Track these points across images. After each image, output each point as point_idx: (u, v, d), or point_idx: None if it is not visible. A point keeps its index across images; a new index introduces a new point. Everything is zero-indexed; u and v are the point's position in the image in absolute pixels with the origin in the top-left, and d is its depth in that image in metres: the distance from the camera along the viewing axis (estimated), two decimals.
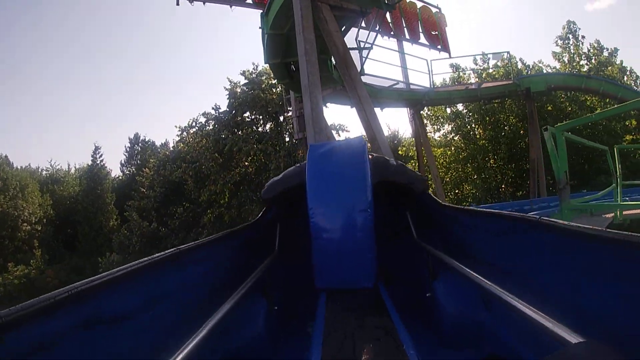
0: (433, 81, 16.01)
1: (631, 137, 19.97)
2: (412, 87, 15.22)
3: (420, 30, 15.11)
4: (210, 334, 1.50)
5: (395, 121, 73.47)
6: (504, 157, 21.37)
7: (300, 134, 13.16)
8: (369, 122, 8.55)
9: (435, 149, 22.03)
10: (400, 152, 24.04)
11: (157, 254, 1.58)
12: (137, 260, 1.43)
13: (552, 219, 1.53)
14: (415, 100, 15.21)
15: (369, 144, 4.49)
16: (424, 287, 2.88)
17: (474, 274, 1.94)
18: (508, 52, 16.53)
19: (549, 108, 20.18)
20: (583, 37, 23.06)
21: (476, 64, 23.17)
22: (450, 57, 16.16)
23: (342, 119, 52.43)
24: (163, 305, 1.61)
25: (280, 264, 3.35)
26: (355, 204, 3.08)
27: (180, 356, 1.23)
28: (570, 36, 23.20)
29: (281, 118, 21.84)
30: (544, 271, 1.64)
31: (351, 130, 22.46)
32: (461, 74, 23.28)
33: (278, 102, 20.33)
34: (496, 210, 2.52)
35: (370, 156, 3.30)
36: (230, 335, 2.14)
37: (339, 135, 21.01)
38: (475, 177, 22.02)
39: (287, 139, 21.22)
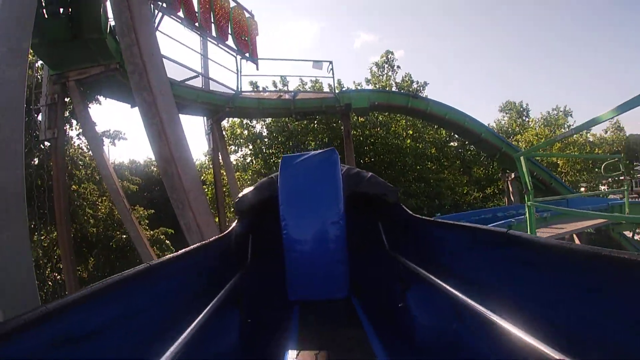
0: (241, 84, 13.72)
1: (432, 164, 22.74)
2: (213, 89, 13.01)
3: (230, 32, 13.22)
4: (183, 348, 1.55)
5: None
6: None
7: (50, 131, 9.07)
8: (165, 130, 5.89)
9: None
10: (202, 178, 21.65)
11: (127, 270, 1.54)
12: (107, 278, 1.40)
13: (519, 232, 1.62)
14: (216, 106, 12.90)
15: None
16: (396, 298, 2.95)
17: (445, 285, 2.05)
18: (331, 62, 14.37)
19: (354, 132, 19.91)
20: (399, 67, 24.63)
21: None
22: (257, 69, 14.54)
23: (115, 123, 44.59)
24: (135, 322, 1.57)
25: (253, 275, 3.31)
26: (327, 215, 3.15)
27: None
28: (387, 65, 24.47)
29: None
30: (513, 282, 1.65)
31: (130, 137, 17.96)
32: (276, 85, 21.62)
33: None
34: (465, 223, 2.33)
35: (342, 168, 3.39)
36: (204, 348, 2.09)
37: (114, 145, 16.11)
38: None
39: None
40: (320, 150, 3.63)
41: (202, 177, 20.99)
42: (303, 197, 3.27)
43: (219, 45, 12.96)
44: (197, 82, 12.46)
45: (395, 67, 24.39)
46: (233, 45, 13.25)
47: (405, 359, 2.46)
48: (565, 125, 30.07)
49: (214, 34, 12.62)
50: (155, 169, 30.61)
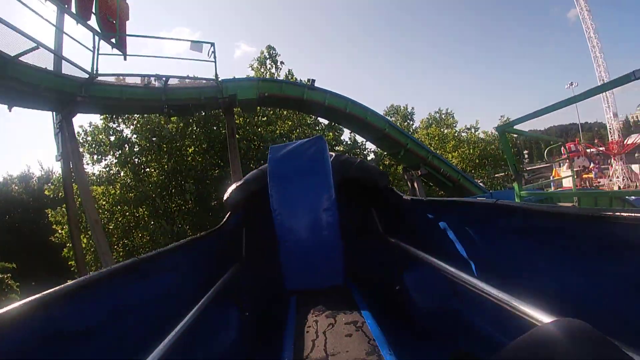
0: (97, 66, 9.88)
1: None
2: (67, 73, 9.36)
3: (94, 11, 9.84)
4: (179, 340, 1.59)
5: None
6: (193, 194, 16.89)
7: None
8: None
9: (96, 187, 16.81)
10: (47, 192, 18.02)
11: (114, 265, 1.57)
12: (94, 272, 1.43)
13: (507, 201, 1.66)
14: (66, 95, 9.41)
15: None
16: (393, 280, 3.01)
17: (441, 262, 2.19)
18: (212, 44, 11.53)
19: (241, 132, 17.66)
20: (282, 63, 22.24)
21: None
22: (125, 58, 10.97)
23: None
24: (126, 316, 1.58)
25: (248, 268, 3.44)
26: (319, 203, 3.16)
27: None
28: (269, 61, 22.32)
29: None
30: (508, 253, 1.69)
31: None
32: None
33: None
34: (456, 198, 2.46)
35: (330, 155, 3.37)
36: (201, 340, 2.08)
37: None
38: (153, 222, 16.99)
39: None
40: (308, 139, 3.44)
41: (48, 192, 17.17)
42: (293, 187, 3.21)
43: (79, 23, 9.51)
44: (48, 66, 8.96)
45: (278, 63, 22.16)
46: (97, 28, 9.95)
47: (405, 340, 2.44)
48: (454, 125, 30.73)
49: (73, 9, 9.26)
50: (17, 187, 27.14)
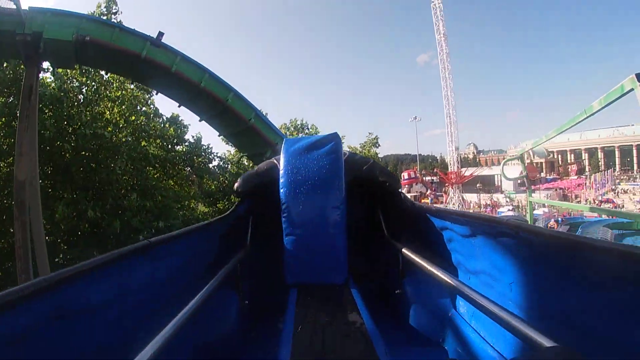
0: None
1: None
2: None
3: None
4: (180, 327, 1.54)
5: None
6: None
7: None
8: None
9: None
10: None
11: (127, 246, 1.54)
12: (107, 253, 1.39)
13: (518, 221, 1.58)
14: None
15: None
16: (394, 284, 3.08)
17: (443, 272, 2.04)
18: None
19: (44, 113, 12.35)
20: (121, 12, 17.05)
21: None
22: None
23: None
24: (133, 298, 1.61)
25: (252, 257, 3.40)
26: (328, 200, 3.11)
27: (150, 349, 1.27)
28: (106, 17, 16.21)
29: None
30: (512, 272, 1.65)
31: None
32: None
33: None
34: (465, 212, 2.55)
35: (345, 153, 3.36)
36: (201, 329, 2.12)
37: None
38: None
39: None
40: (323, 134, 3.42)
41: None
42: (304, 181, 3.15)
43: None
44: None
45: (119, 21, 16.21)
46: None
47: (402, 344, 2.52)
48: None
49: None
50: None
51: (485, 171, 65.19)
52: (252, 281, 3.39)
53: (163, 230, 12.65)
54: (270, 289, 3.45)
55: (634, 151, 79.29)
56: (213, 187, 20.38)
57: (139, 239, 11.92)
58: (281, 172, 3.22)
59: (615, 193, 53.62)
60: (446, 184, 56.97)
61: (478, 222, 1.98)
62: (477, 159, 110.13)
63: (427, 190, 62.90)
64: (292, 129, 27.45)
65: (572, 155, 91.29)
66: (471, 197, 53.02)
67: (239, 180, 3.52)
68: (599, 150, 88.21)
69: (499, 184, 62.64)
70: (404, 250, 2.83)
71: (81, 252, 11.74)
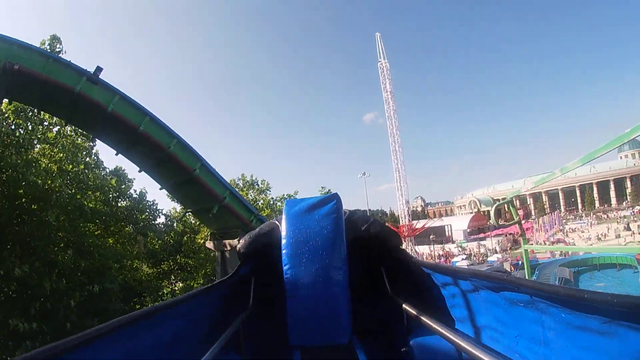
0: None
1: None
2: None
3: None
4: None
5: None
6: None
7: None
8: None
9: None
10: None
11: (132, 312, 1.51)
12: (113, 320, 1.33)
13: (518, 277, 1.63)
14: None
15: None
16: (399, 342, 3.05)
17: (448, 328, 1.95)
18: None
19: None
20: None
21: None
22: None
23: None
24: None
25: (254, 319, 3.29)
26: (330, 261, 3.00)
27: None
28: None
29: None
30: (516, 326, 1.68)
31: None
32: None
33: None
34: (470, 268, 2.37)
35: (345, 212, 3.39)
36: None
37: None
38: None
39: None
40: (324, 195, 3.32)
41: None
42: (306, 242, 3.04)
43: None
44: None
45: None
46: None
47: None
48: (269, 191, 28.40)
49: None
50: None
51: (436, 222, 66.68)
52: (255, 343, 3.35)
53: (98, 295, 11.24)
54: (274, 351, 3.43)
55: (577, 192, 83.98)
56: (157, 246, 18.78)
57: (69, 304, 10.75)
58: (283, 233, 3.18)
59: (564, 233, 56.03)
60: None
61: (479, 277, 1.97)
62: (426, 211, 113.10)
63: None
64: (242, 184, 26.25)
65: (518, 200, 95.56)
66: (423, 249, 53.52)
67: (241, 241, 3.38)
68: (543, 194, 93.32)
69: (450, 234, 64.32)
70: (408, 307, 2.80)
71: (4, 318, 9.93)
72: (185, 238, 18.32)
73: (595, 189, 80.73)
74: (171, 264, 18.26)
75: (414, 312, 2.60)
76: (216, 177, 10.74)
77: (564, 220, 66.67)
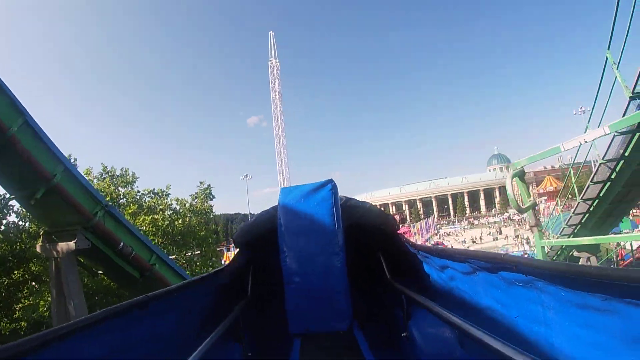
0: None
1: None
2: None
3: None
4: None
5: None
6: None
7: None
8: None
9: None
10: None
11: (123, 302, 1.54)
12: (104, 309, 1.39)
13: (519, 257, 1.62)
14: None
15: None
16: (399, 327, 3.04)
17: (448, 312, 2.10)
18: None
19: None
20: None
21: None
22: None
23: None
24: (134, 353, 1.59)
25: (253, 308, 3.41)
26: (327, 247, 3.12)
27: None
28: None
29: None
30: (515, 306, 1.66)
31: None
32: None
33: None
34: (468, 250, 2.49)
35: (341, 198, 3.40)
36: None
37: None
38: None
39: None
40: (319, 182, 3.40)
41: None
42: (302, 230, 3.20)
43: None
44: None
45: None
46: None
47: None
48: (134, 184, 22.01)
49: None
50: None
51: None
52: (254, 332, 3.35)
53: None
54: (274, 339, 3.46)
55: (449, 199, 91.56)
56: (6, 250, 13.34)
57: None
58: (279, 221, 3.24)
59: (439, 236, 59.83)
60: None
61: (477, 259, 1.94)
62: None
63: None
64: (99, 176, 20.04)
65: (394, 207, 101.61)
66: None
67: (237, 230, 3.56)
68: (417, 201, 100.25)
69: None
70: (407, 291, 2.84)
71: None
72: (17, 246, 13.42)
73: (466, 197, 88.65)
74: (25, 273, 13.38)
75: (413, 296, 2.70)
76: (44, 142, 6.74)
77: (438, 225, 71.57)
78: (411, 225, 62.57)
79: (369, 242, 3.80)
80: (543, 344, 1.42)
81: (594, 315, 1.15)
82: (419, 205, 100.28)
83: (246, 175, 63.04)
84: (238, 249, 3.55)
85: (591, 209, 10.29)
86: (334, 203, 3.20)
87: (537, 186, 72.46)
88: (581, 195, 10.17)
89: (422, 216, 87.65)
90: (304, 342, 3.20)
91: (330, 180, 3.41)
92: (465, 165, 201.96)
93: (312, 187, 3.37)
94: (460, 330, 1.97)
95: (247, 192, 76.61)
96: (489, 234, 56.70)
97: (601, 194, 9.57)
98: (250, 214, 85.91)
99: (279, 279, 3.17)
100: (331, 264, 3.09)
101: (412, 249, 3.03)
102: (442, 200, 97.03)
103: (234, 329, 2.69)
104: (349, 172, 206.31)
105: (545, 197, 59.30)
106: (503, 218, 70.92)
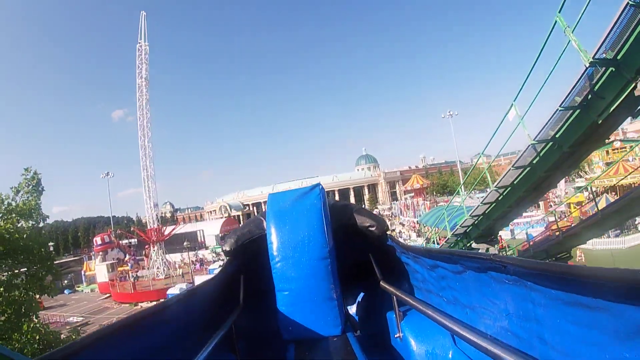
0: None
1: None
2: None
3: None
4: None
5: None
6: None
7: None
8: None
9: None
10: None
11: (117, 321, 1.51)
12: (96, 330, 1.38)
13: (508, 256, 1.58)
14: None
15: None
16: (393, 329, 2.98)
17: (440, 312, 2.08)
18: None
19: None
20: None
21: None
22: None
23: None
24: None
25: (246, 316, 3.31)
26: (316, 252, 3.06)
27: None
28: None
29: None
30: (506, 303, 1.65)
31: None
32: None
33: None
34: (455, 250, 2.52)
35: (329, 201, 3.38)
36: None
37: None
38: None
39: None
40: (306, 187, 3.44)
41: None
42: (291, 235, 3.15)
43: None
44: None
45: None
46: None
47: None
48: None
49: None
50: None
51: (188, 227, 63.45)
52: (248, 340, 3.35)
53: None
54: (268, 347, 3.41)
55: (351, 192, 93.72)
56: None
57: None
58: (267, 227, 3.21)
59: None
60: (146, 247, 51.39)
61: (466, 258, 1.94)
62: (175, 217, 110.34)
63: (125, 256, 54.63)
64: None
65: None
66: (175, 257, 49.42)
67: (226, 239, 3.47)
68: None
69: (203, 239, 61.89)
70: (399, 292, 2.78)
71: None
72: None
73: (337, 194, 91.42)
74: None
75: (404, 297, 2.63)
76: None
77: None
78: None
79: (360, 244, 3.70)
80: (534, 342, 1.40)
81: (585, 312, 1.12)
82: None
83: (107, 173, 56.08)
84: (227, 258, 3.46)
85: (500, 198, 9.80)
86: (322, 207, 3.17)
87: (403, 184, 78.06)
88: (496, 183, 9.57)
89: None
90: (298, 348, 3.05)
91: (318, 184, 3.43)
92: (335, 165, 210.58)
93: (300, 193, 3.38)
94: (452, 330, 1.92)
95: (109, 191, 66.84)
96: None
97: (515, 182, 9.02)
98: (114, 216, 76.98)
99: (271, 286, 3.12)
100: (321, 269, 3.03)
101: (402, 250, 3.03)
102: (342, 194, 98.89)
103: (228, 339, 2.65)
104: (219, 171, 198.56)
105: (412, 194, 64.22)
106: (379, 212, 73.84)
